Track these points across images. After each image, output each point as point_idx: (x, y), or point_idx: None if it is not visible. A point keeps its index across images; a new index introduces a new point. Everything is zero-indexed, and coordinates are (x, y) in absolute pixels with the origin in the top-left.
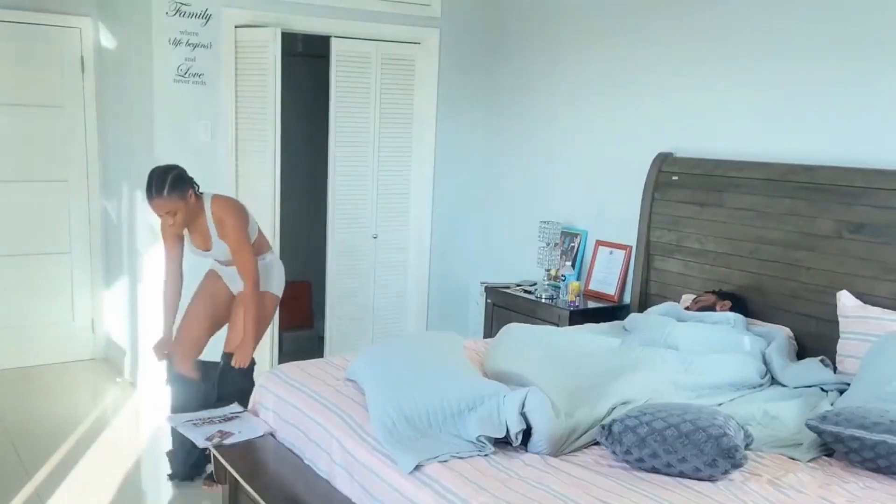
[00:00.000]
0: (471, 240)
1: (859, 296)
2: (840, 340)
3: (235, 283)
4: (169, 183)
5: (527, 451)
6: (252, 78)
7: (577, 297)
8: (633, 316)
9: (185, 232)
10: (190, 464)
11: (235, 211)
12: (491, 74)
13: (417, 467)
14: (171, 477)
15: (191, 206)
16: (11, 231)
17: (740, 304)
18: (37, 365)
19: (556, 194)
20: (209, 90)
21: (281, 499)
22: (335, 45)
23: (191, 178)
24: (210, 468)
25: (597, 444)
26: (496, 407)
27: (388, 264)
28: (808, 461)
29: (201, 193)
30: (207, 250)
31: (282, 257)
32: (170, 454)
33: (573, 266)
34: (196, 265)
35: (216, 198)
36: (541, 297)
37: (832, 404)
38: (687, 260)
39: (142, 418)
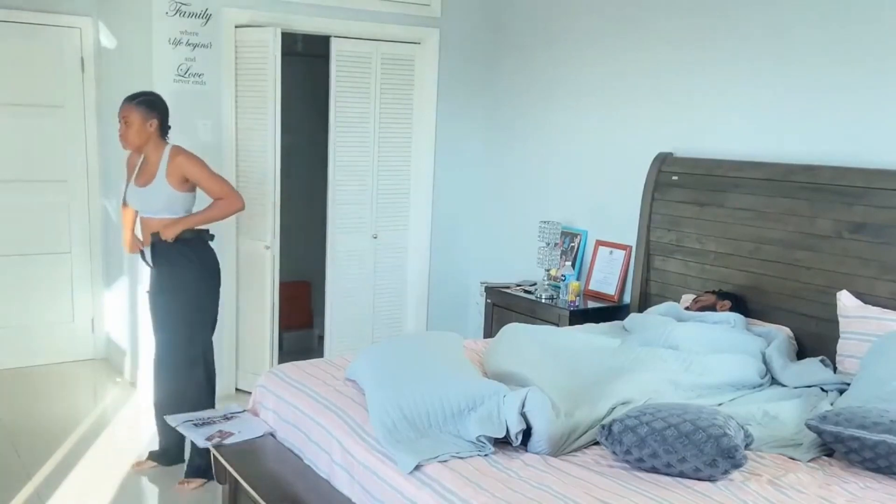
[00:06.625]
0: (471, 240)
1: (859, 296)
2: (840, 340)
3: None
4: (142, 97)
5: (527, 451)
6: (252, 78)
7: (577, 297)
8: (632, 316)
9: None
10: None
11: (192, 154)
12: (491, 74)
13: (417, 467)
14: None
15: (145, 129)
16: (11, 231)
17: (740, 304)
18: (37, 365)
19: (555, 194)
20: (209, 90)
21: (281, 499)
22: (335, 45)
23: (164, 111)
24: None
25: (597, 444)
26: (496, 407)
27: (387, 264)
28: (808, 461)
29: (165, 138)
30: (145, 185)
31: (282, 257)
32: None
33: (573, 266)
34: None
35: (177, 146)
36: (541, 297)
37: (832, 404)
38: (687, 260)
39: (142, 418)
